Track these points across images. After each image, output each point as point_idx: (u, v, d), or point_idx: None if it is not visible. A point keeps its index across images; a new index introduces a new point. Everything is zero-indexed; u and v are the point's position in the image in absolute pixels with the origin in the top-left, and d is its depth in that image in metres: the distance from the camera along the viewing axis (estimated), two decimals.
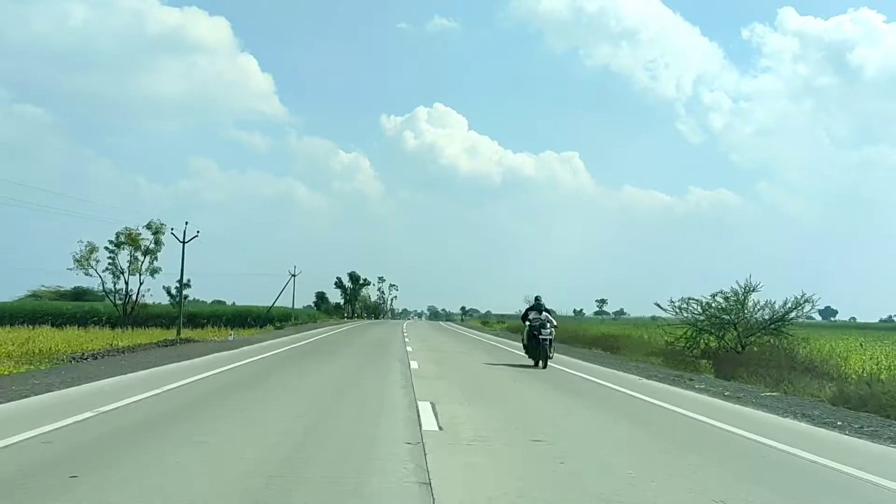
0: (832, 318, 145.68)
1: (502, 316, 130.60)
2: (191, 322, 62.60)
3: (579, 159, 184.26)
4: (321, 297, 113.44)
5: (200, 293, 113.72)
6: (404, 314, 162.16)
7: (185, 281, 67.39)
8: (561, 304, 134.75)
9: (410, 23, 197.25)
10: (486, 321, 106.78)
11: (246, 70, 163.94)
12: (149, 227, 57.13)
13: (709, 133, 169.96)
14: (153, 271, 57.80)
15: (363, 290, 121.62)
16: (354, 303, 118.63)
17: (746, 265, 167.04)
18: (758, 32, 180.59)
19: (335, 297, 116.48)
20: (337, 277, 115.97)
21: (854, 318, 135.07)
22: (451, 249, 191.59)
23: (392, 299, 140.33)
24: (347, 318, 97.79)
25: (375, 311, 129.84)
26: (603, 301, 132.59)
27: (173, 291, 64.97)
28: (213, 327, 55.21)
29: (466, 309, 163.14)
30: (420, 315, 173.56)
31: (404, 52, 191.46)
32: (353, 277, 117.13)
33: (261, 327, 58.84)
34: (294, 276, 78.97)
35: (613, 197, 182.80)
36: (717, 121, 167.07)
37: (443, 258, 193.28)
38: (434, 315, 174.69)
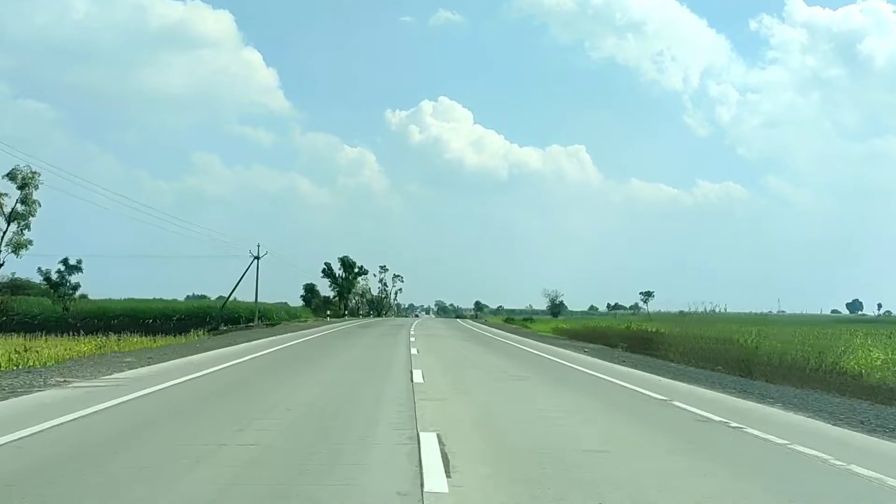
0: (860, 312, 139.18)
1: (512, 312, 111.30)
2: (98, 326, 42.85)
3: (586, 153, 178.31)
4: (310, 289, 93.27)
5: (199, 288, 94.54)
6: (411, 310, 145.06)
7: (74, 263, 47.32)
8: (573, 300, 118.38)
9: (415, 16, 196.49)
10: (511, 318, 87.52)
11: (250, 64, 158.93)
12: (11, 177, 36.88)
13: (716, 126, 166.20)
14: (19, 246, 37.59)
15: (359, 279, 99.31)
16: (348, 296, 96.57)
17: (753, 260, 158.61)
18: (766, 24, 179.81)
19: (328, 290, 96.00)
20: (325, 263, 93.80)
21: (889, 312, 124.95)
22: (458, 244, 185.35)
23: (396, 292, 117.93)
24: (330, 317, 71.95)
25: (378, 306, 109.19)
26: (648, 294, 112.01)
27: (54, 277, 44.59)
28: (125, 334, 35.08)
29: (479, 304, 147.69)
30: (428, 311, 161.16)
31: (409, 45, 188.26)
32: (346, 263, 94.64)
33: (184, 332, 38.52)
34: (258, 258, 58.26)
35: (620, 190, 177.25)
36: (724, 113, 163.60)
37: (450, 252, 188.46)
38: (442, 310, 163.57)
